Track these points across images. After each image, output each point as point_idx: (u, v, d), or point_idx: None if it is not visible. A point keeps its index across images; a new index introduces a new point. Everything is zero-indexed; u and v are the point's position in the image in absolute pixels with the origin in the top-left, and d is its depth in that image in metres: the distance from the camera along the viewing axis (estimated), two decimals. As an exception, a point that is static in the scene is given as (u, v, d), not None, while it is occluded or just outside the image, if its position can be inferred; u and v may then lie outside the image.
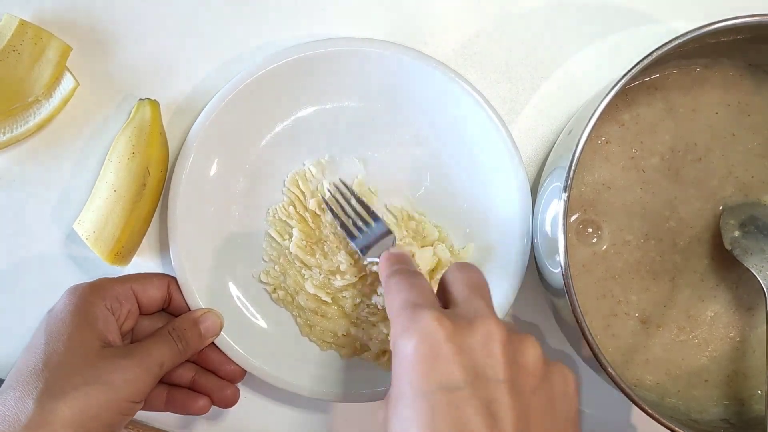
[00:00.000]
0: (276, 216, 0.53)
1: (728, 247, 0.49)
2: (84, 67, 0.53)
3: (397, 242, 0.50)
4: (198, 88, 0.54)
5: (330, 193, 0.52)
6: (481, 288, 0.40)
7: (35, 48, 0.50)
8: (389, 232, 0.49)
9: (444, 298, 0.41)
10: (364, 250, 0.49)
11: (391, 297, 0.39)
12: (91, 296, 0.47)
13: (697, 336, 0.51)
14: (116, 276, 0.50)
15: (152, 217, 0.52)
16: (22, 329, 0.50)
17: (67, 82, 0.52)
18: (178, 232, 0.50)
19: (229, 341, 0.51)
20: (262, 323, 0.53)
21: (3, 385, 0.44)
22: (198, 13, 0.54)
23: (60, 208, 0.54)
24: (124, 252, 0.50)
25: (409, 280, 0.40)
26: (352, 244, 0.50)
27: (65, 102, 0.52)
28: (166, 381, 0.49)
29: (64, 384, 0.42)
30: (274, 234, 0.53)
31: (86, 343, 0.45)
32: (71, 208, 0.53)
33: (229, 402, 0.51)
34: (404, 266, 0.43)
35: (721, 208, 0.51)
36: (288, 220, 0.53)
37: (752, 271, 0.47)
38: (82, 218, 0.50)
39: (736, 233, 0.49)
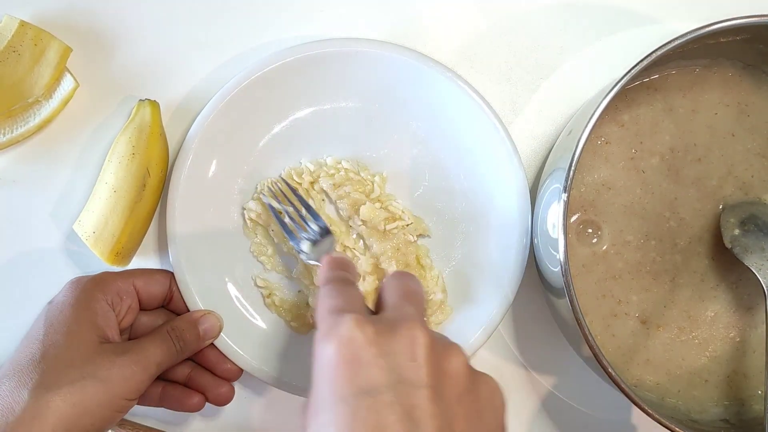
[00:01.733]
0: (261, 195, 0.52)
1: (728, 245, 0.49)
2: (84, 68, 0.53)
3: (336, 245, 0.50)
4: (197, 88, 0.54)
5: (270, 190, 0.51)
6: (413, 295, 0.39)
7: (35, 49, 0.50)
8: (329, 232, 0.49)
9: (377, 307, 0.40)
10: (305, 251, 0.49)
11: (320, 303, 0.38)
12: (92, 290, 0.47)
13: (697, 336, 0.51)
14: (118, 271, 0.50)
15: (152, 217, 0.52)
16: (22, 329, 0.50)
17: (67, 83, 0.52)
18: (177, 233, 0.51)
19: (227, 341, 0.51)
20: (261, 323, 0.53)
21: None
22: (197, 14, 0.54)
23: (60, 208, 0.54)
24: (123, 252, 0.50)
25: (339, 287, 0.39)
26: (292, 244, 0.50)
27: (65, 103, 0.52)
28: (161, 377, 0.49)
29: (60, 377, 0.42)
30: (248, 222, 0.52)
31: (85, 338, 0.45)
32: (71, 209, 0.53)
33: (223, 400, 0.51)
34: (341, 273, 0.41)
35: (721, 206, 0.51)
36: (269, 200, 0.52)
37: (752, 269, 0.47)
38: (82, 219, 0.50)
39: (736, 231, 0.49)
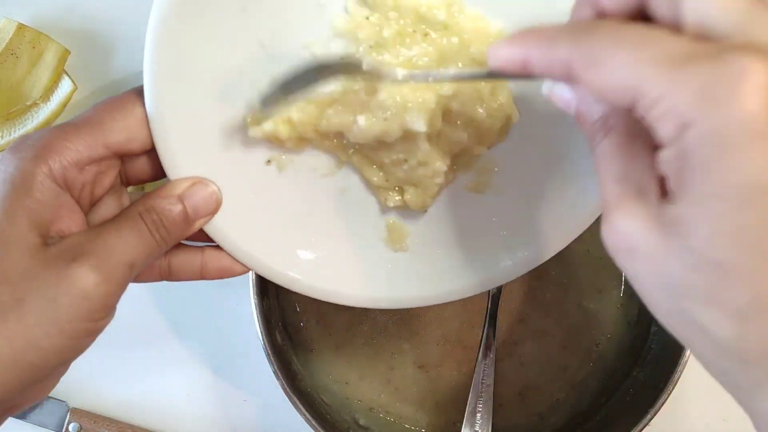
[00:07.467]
0: None
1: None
2: (82, 71, 0.53)
3: None
4: (196, 91, 0.54)
5: None
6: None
7: (33, 52, 0.50)
8: None
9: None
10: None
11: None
12: (32, 165, 0.31)
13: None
14: (79, 119, 0.33)
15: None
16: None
17: (65, 86, 0.52)
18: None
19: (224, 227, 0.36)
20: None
21: None
22: (196, 16, 0.54)
23: (58, 211, 0.53)
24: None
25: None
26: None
27: (63, 105, 0.52)
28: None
29: None
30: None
31: (18, 240, 0.30)
32: (69, 211, 0.53)
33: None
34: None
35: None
36: None
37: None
38: (81, 221, 0.50)
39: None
